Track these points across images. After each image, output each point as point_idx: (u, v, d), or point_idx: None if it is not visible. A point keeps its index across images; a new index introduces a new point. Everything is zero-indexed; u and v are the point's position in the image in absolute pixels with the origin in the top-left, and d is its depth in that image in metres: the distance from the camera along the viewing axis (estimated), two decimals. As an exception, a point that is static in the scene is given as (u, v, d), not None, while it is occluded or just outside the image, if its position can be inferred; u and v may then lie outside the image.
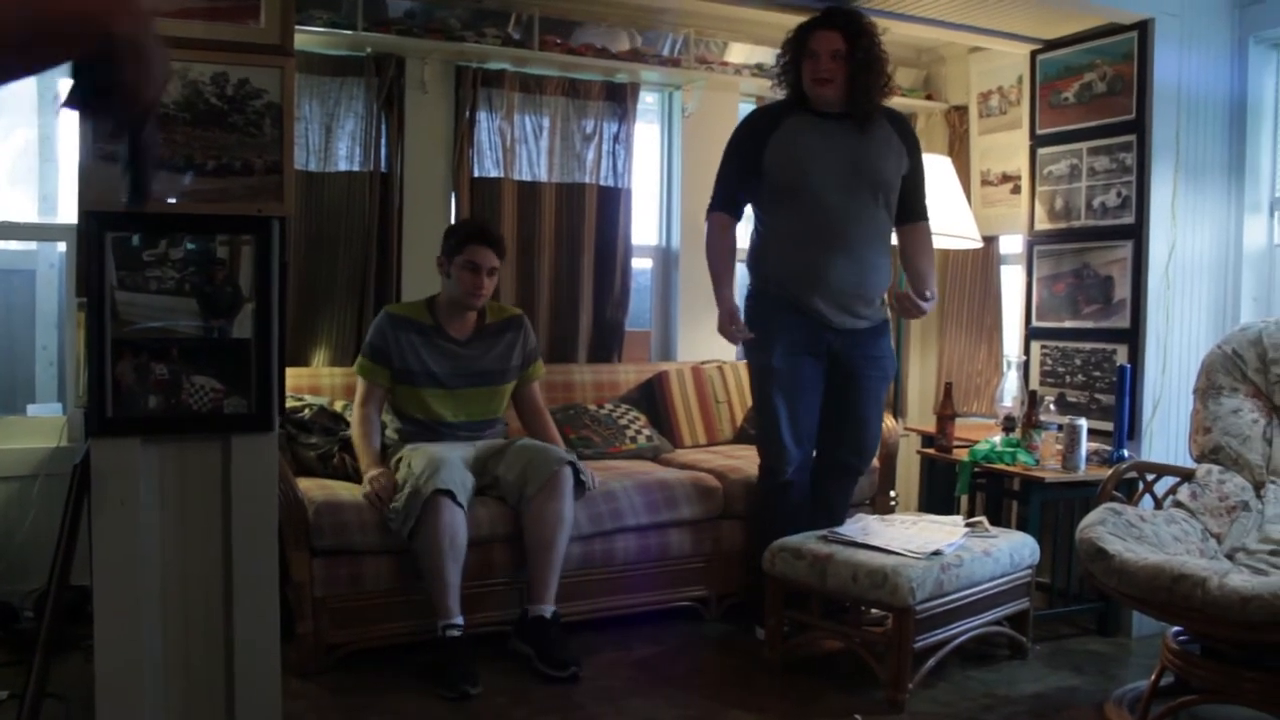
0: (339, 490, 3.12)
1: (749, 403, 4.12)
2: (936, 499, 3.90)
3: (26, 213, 3.76)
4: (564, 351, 4.14)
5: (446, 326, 3.32)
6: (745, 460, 3.67)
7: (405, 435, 3.29)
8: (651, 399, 4.12)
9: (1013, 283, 4.26)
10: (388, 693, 2.85)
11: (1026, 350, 3.94)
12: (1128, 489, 3.07)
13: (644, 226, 4.42)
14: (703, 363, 4.28)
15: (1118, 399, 3.47)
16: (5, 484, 3.35)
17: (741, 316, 3.24)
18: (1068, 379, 3.80)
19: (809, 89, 3.17)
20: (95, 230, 2.04)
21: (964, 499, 3.83)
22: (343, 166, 3.76)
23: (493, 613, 3.14)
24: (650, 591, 3.43)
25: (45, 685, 2.17)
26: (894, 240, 3.37)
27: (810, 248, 3.16)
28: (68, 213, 3.62)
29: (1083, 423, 3.41)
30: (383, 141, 3.80)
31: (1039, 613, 3.35)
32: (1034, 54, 3.92)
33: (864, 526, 3.14)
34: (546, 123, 4.07)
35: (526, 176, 4.05)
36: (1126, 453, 3.43)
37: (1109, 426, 3.52)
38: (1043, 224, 3.90)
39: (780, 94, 3.30)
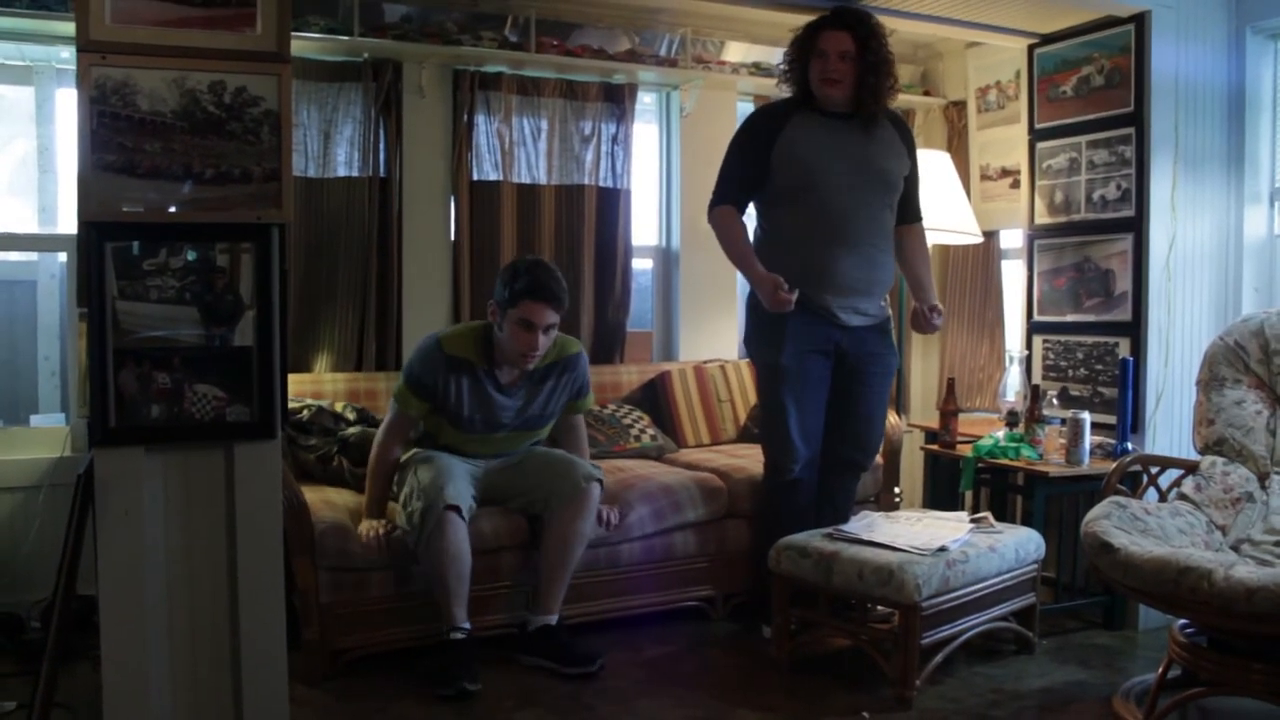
0: (344, 509, 3.10)
1: (752, 401, 4.13)
2: (941, 495, 3.90)
3: (27, 223, 3.76)
4: (566, 353, 4.14)
5: (498, 371, 3.11)
6: (749, 459, 3.67)
7: (420, 442, 3.22)
8: (654, 399, 4.12)
9: (1014, 277, 4.26)
10: (395, 699, 2.85)
11: (1028, 345, 3.94)
12: (1132, 482, 3.07)
13: (644, 227, 4.42)
14: (705, 362, 4.28)
15: (1120, 392, 3.47)
16: (10, 495, 3.36)
17: (749, 312, 3.25)
18: (1070, 373, 3.79)
19: (816, 88, 3.16)
20: (95, 240, 2.04)
21: (968, 495, 3.83)
22: (342, 172, 3.76)
23: (498, 616, 3.14)
24: (656, 592, 3.43)
25: (53, 695, 2.16)
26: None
27: (819, 246, 3.16)
28: (68, 223, 3.62)
29: (1086, 416, 3.41)
30: (381, 146, 3.80)
31: (1045, 607, 3.35)
32: (1031, 48, 3.92)
33: (869, 523, 3.14)
34: (545, 125, 4.07)
35: (525, 179, 4.05)
36: (1130, 446, 3.42)
37: (1112, 420, 3.52)
38: (1043, 218, 3.90)
39: (784, 92, 3.30)
